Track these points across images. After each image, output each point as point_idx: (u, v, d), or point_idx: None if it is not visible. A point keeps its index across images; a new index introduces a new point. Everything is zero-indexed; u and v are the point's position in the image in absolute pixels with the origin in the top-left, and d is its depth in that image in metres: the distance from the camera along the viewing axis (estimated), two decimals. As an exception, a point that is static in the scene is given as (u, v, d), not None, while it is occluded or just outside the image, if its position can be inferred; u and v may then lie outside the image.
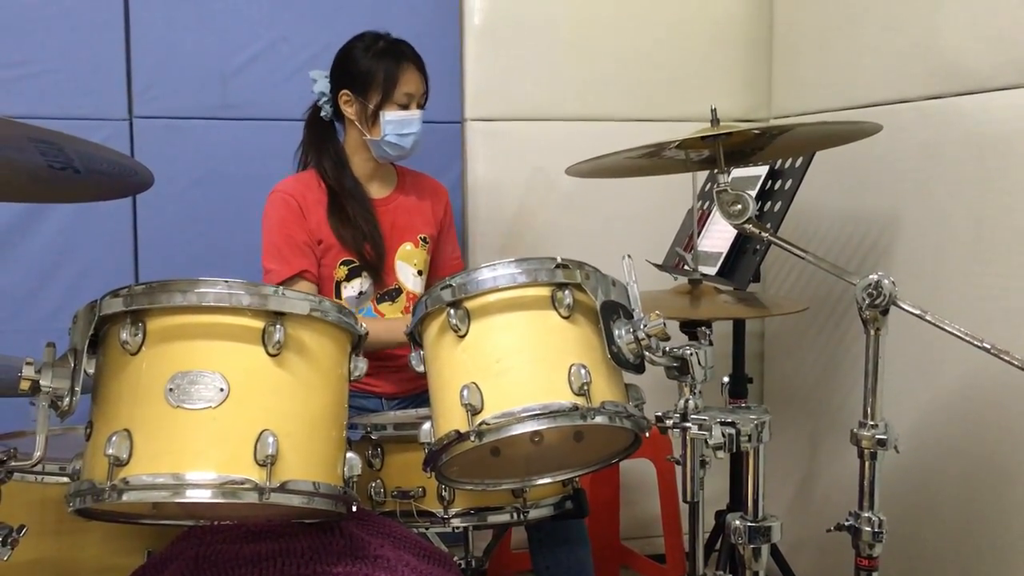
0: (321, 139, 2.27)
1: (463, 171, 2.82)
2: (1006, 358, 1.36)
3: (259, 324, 1.30)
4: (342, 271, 2.22)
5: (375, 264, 2.22)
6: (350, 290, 2.23)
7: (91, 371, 1.32)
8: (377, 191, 2.30)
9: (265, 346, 1.30)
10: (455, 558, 1.75)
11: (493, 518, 1.71)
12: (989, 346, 1.38)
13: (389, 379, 2.26)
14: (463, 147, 2.82)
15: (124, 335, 1.28)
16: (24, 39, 2.48)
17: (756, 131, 1.69)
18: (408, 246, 2.30)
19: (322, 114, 2.27)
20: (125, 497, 1.22)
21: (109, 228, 2.57)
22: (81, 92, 2.53)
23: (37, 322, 2.51)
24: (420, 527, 1.70)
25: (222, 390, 1.26)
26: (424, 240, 2.33)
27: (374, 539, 1.50)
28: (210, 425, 1.25)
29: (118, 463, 1.22)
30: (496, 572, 2.57)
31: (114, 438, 1.22)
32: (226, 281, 1.30)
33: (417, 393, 2.26)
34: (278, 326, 1.30)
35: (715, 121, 1.64)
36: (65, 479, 1.32)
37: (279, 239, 2.16)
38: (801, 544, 2.51)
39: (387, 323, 2.21)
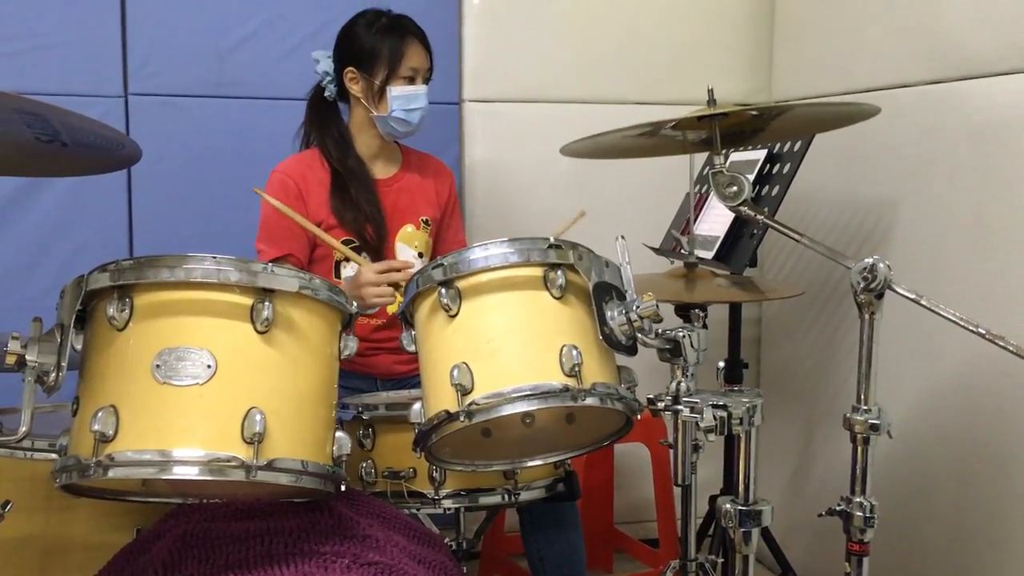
0: (324, 119, 2.25)
1: (461, 152, 2.80)
2: (1001, 343, 1.35)
3: (247, 301, 1.29)
4: None
5: (375, 245, 2.20)
6: (349, 270, 2.21)
7: (78, 347, 1.32)
8: (381, 171, 2.28)
9: (253, 323, 1.28)
10: (446, 540, 1.74)
11: (484, 499, 1.71)
12: (984, 331, 1.36)
13: (385, 360, 2.25)
14: (461, 128, 2.80)
15: (111, 310, 1.26)
16: (19, 14, 2.46)
17: (753, 112, 1.67)
18: (409, 227, 2.29)
19: (326, 94, 2.25)
20: (110, 473, 1.21)
21: (104, 205, 2.56)
22: (76, 68, 2.50)
23: (31, 299, 2.49)
24: (411, 508, 1.69)
25: (209, 367, 1.25)
26: (426, 222, 2.31)
27: (363, 519, 1.49)
28: (197, 402, 1.24)
29: (104, 439, 1.21)
30: (490, 555, 2.57)
31: (100, 414, 1.21)
32: (214, 257, 1.28)
33: (413, 375, 2.25)
34: (267, 303, 1.28)
35: (712, 102, 1.62)
36: (54, 456, 1.31)
37: (270, 220, 2.16)
38: (795, 529, 2.51)
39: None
